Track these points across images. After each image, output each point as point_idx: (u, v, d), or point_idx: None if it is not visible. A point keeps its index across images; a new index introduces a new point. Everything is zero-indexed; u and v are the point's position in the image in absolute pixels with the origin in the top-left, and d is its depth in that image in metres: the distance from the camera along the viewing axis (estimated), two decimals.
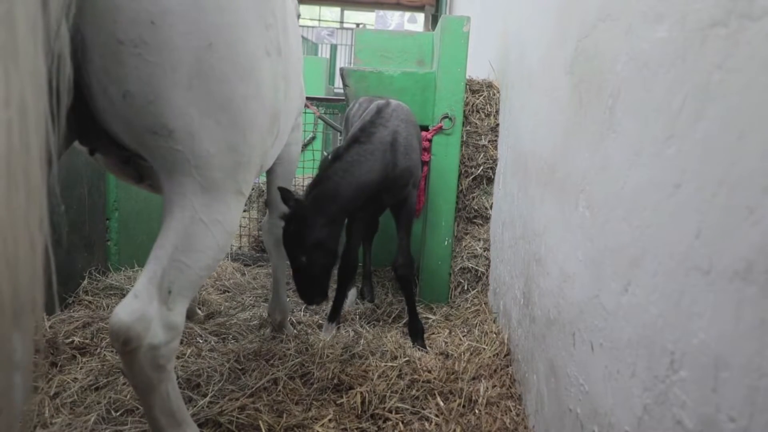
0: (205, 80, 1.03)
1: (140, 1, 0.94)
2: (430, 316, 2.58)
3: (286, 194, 1.96)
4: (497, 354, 2.09)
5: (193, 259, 1.12)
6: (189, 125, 1.04)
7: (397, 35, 3.45)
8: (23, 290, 0.75)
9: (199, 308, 2.51)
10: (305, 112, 3.23)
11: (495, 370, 1.99)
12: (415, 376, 1.88)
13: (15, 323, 0.75)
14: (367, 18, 13.53)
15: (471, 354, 2.11)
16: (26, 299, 0.76)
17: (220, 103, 1.07)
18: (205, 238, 1.12)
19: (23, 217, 0.75)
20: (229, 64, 1.06)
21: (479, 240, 2.79)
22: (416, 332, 2.29)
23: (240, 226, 3.68)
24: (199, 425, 1.53)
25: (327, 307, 2.64)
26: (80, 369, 1.83)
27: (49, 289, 0.79)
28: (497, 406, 1.76)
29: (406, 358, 1.99)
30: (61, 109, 0.87)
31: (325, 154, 2.73)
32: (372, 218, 2.75)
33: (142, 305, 1.06)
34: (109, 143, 1.13)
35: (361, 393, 1.73)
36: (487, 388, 1.83)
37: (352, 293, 2.72)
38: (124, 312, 1.05)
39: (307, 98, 2.93)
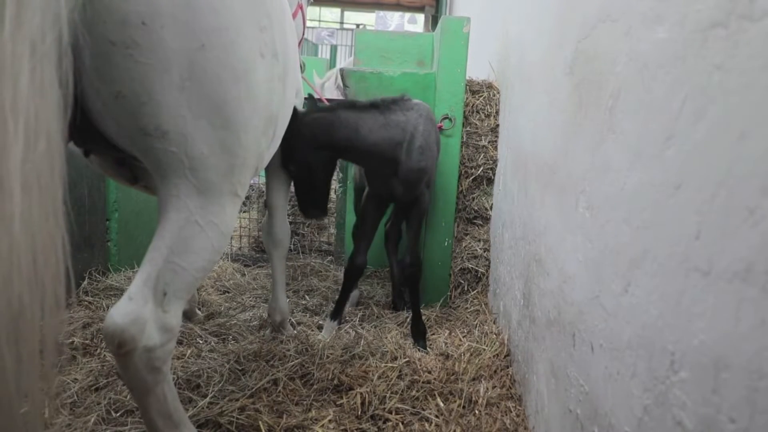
0: (197, 82, 1.03)
1: (131, 2, 0.94)
2: (430, 316, 2.58)
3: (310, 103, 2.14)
4: (497, 355, 2.09)
5: (188, 261, 1.11)
6: (182, 126, 1.04)
7: (397, 36, 3.44)
8: (49, 302, 0.83)
9: (199, 309, 2.51)
10: None
11: (495, 371, 1.99)
12: (415, 377, 1.87)
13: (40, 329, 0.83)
14: (367, 19, 13.52)
15: (471, 355, 2.10)
16: (52, 311, 0.84)
17: (213, 105, 1.06)
18: (200, 239, 1.12)
19: (52, 240, 0.82)
20: (222, 66, 1.05)
21: (479, 241, 2.79)
22: (419, 333, 2.29)
23: (240, 227, 3.68)
24: (199, 426, 1.53)
25: (327, 307, 2.64)
26: (80, 369, 1.83)
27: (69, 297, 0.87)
28: (497, 407, 1.76)
29: (406, 359, 1.98)
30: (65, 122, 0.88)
31: None
32: (394, 226, 2.74)
33: (137, 307, 1.06)
34: (104, 144, 1.13)
35: (361, 394, 1.73)
36: (487, 388, 1.83)
37: (354, 295, 2.71)
38: (119, 314, 1.05)
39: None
